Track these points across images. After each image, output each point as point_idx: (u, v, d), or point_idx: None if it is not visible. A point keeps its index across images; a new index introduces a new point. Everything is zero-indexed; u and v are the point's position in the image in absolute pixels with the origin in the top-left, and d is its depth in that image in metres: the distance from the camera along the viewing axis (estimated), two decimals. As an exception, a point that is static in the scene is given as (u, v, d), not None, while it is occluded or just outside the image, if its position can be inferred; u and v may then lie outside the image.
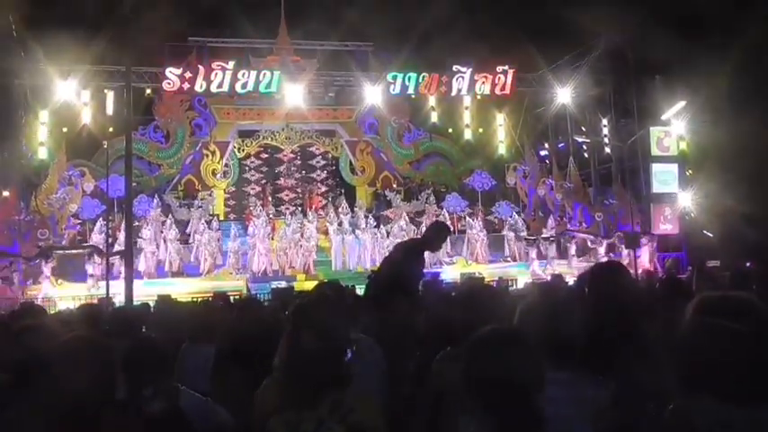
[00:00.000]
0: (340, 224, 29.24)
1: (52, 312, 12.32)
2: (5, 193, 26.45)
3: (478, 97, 32.34)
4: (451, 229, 10.94)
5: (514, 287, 20.92)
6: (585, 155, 34.58)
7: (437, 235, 8.82)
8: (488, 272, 26.18)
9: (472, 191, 32.39)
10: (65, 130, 29.44)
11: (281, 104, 31.89)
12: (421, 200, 31.61)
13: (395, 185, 33.79)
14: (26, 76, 28.34)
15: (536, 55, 31.50)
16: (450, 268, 27.05)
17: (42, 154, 28.69)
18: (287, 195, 34.81)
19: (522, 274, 26.94)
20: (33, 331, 4.45)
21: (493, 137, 34.73)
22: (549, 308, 3.87)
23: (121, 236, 23.22)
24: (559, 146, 35.86)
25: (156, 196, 29.56)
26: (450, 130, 34.92)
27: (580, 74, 32.22)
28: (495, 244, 29.91)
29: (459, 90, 31.40)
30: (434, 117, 33.33)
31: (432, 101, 32.99)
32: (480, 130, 34.39)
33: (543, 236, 29.41)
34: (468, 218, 30.25)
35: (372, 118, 34.55)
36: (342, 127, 34.69)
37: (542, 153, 35.83)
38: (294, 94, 30.32)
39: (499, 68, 31.47)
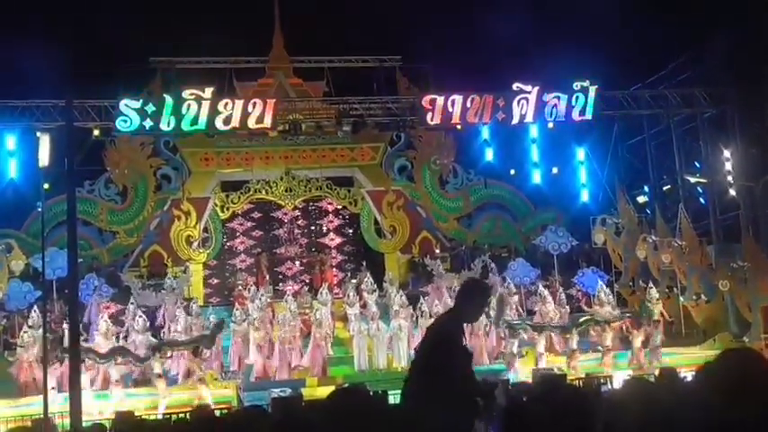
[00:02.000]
0: (364, 306, 29.13)
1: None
2: None
3: (550, 125, 32.38)
4: (490, 289, 10.14)
5: (608, 387, 20.70)
6: (702, 201, 34.43)
7: (472, 299, 8.46)
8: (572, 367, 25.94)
9: (545, 255, 32.24)
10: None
11: (278, 144, 32.10)
12: (474, 269, 31.47)
13: (437, 251, 33.74)
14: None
15: (626, 65, 31.61)
16: (519, 363, 26.82)
17: (-45, 223, 29.09)
18: (289, 269, 34.90)
19: (619, 368, 26.65)
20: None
21: (572, 179, 34.70)
22: (648, 415, 3.87)
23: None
24: (664, 189, 35.73)
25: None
26: (513, 172, 34.96)
27: (689, 88, 32.22)
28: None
29: (523, 116, 31.45)
30: (489, 154, 33.41)
31: (485, 132, 33.11)
32: (554, 170, 34.41)
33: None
34: (538, 291, 30.03)
35: (404, 159, 34.69)
36: (362, 172, 34.88)
37: (641, 200, 35.71)
38: (295, 129, 30.53)
39: (577, 85, 31.55)
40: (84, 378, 23.58)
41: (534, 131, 33.16)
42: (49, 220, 26.07)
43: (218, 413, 12.60)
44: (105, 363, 24.52)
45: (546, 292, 29.32)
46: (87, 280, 27.87)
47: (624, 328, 28.23)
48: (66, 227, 18.33)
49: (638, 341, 27.61)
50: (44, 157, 28.74)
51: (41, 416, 18.16)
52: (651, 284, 29.29)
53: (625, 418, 3.96)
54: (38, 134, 29.34)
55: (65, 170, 20.75)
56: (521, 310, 29.43)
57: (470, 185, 35.22)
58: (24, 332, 25.64)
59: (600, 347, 28.06)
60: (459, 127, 32.29)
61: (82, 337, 22.15)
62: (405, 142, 34.73)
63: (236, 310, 28.58)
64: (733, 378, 4.61)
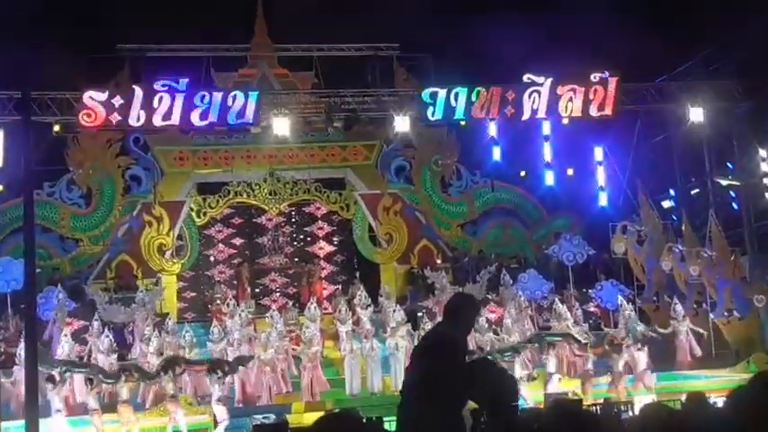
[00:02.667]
0: (357, 323, 29.07)
1: None
2: None
3: (565, 121, 32.31)
4: (479, 304, 9.99)
5: (629, 413, 20.67)
6: (734, 205, 34.41)
7: (464, 315, 8.41)
8: (588, 391, 25.91)
9: (559, 266, 32.21)
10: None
11: (262, 142, 32.06)
12: (480, 282, 31.42)
13: (439, 261, 33.73)
14: None
15: (651, 55, 31.57)
16: (530, 387, 26.77)
17: None
18: (273, 281, 34.85)
19: (642, 392, 26.60)
20: None
21: (589, 182, 34.68)
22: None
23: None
24: (692, 193, 35.71)
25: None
26: (523, 174, 34.93)
27: (721, 81, 32.20)
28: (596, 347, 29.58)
29: (535, 111, 31.41)
30: (497, 154, 33.36)
31: (492, 129, 33.06)
32: (569, 171, 34.36)
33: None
34: (553, 307, 29.98)
35: (401, 158, 34.66)
36: (355, 173, 34.87)
37: (666, 204, 35.70)
38: (281, 125, 30.46)
39: (595, 77, 31.50)
40: (92, 399, 23.66)
41: (547, 128, 33.00)
42: (4, 226, 26.04)
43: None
44: (113, 383, 24.40)
45: (563, 308, 29.14)
46: (47, 293, 27.75)
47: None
48: (23, 233, 18.23)
49: (618, 365, 27.28)
50: (-2, 156, 28.65)
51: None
52: (677, 299, 29.30)
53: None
54: (-9, 130, 29.42)
55: (21, 170, 20.66)
56: (537, 326, 29.36)
57: (475, 188, 35.23)
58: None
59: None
60: (463, 123, 32.21)
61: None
62: (402, 139, 34.69)
63: (214, 327, 28.42)
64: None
